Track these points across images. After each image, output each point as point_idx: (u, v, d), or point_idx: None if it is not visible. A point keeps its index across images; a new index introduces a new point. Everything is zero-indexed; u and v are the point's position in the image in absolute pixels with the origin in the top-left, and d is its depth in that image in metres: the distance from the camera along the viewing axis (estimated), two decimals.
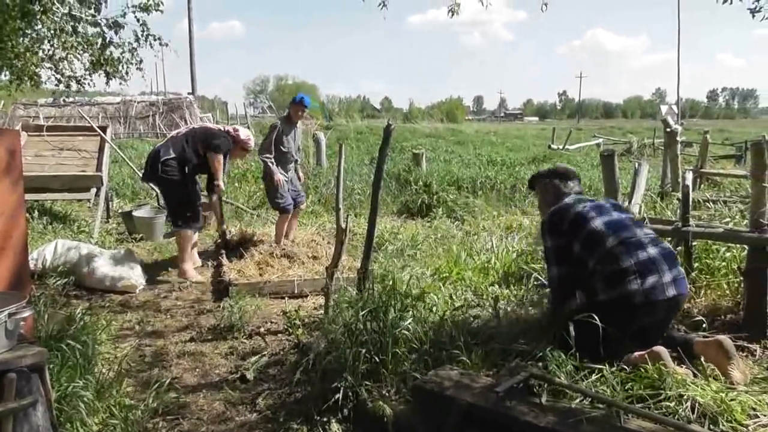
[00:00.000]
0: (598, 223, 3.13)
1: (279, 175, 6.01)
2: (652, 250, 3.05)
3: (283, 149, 6.09)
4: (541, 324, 3.42)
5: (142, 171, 6.25)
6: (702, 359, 2.80)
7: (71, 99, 20.94)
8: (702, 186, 7.16)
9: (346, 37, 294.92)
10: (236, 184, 10.07)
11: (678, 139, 6.29)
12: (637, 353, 2.83)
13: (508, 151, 19.33)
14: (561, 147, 19.88)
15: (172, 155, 5.56)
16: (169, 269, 5.86)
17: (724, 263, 3.94)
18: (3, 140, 2.68)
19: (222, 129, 6.11)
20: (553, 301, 3.39)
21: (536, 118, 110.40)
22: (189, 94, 30.06)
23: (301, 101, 6.17)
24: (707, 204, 5.14)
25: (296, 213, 6.58)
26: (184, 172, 5.59)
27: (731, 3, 3.71)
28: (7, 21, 4.90)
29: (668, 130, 6.23)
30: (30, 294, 3.01)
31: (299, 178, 6.71)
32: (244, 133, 6.03)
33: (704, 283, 3.85)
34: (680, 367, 2.73)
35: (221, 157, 5.69)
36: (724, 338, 2.80)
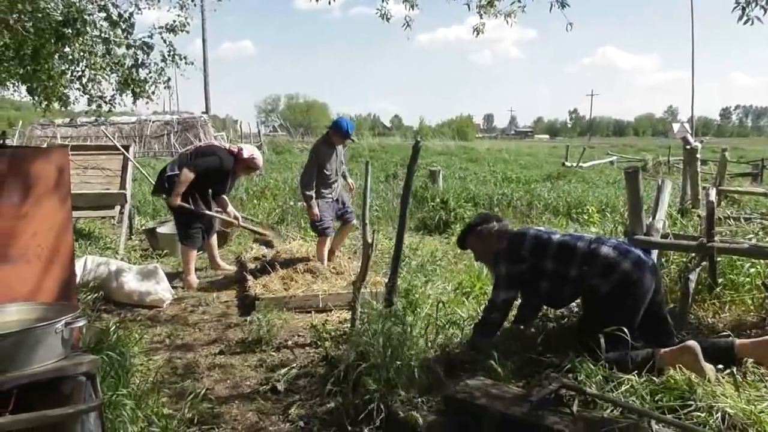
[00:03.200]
0: (558, 237, 3.43)
1: (316, 210, 5.83)
2: (613, 240, 3.46)
3: (326, 172, 5.92)
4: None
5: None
6: (747, 361, 2.87)
7: (89, 119, 21.37)
8: (722, 203, 7.20)
9: (355, 56, 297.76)
10: (255, 201, 10.21)
11: (698, 156, 6.36)
12: (666, 349, 2.92)
13: (521, 168, 19.40)
14: (575, 164, 19.92)
15: (176, 172, 5.79)
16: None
17: (748, 279, 3.99)
18: (52, 158, 2.80)
19: (224, 147, 6.20)
20: (485, 319, 3.54)
21: (547, 136, 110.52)
22: (203, 113, 30.47)
23: (346, 133, 5.91)
24: (728, 221, 5.18)
25: (346, 229, 6.44)
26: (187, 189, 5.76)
27: (752, 24, 3.75)
28: (43, 44, 5.08)
29: (688, 147, 6.29)
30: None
31: (350, 188, 6.49)
32: (248, 152, 6.02)
33: (728, 298, 3.90)
34: (709, 365, 2.80)
35: (187, 172, 5.69)
36: None
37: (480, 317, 3.66)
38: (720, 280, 3.99)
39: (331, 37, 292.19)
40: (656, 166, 20.06)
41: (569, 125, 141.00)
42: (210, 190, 6.07)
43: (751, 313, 3.79)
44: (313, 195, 5.85)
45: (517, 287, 3.48)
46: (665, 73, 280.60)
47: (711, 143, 35.38)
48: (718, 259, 3.96)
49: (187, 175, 5.70)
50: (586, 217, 8.03)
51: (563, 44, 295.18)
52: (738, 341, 3.04)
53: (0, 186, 2.58)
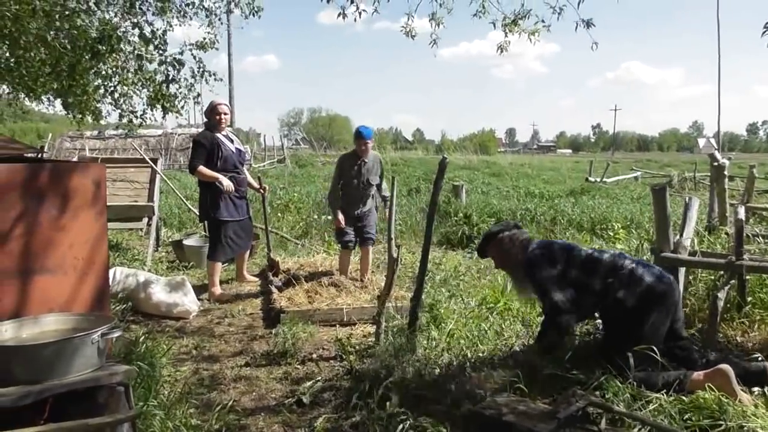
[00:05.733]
0: (584, 250, 3.50)
1: (339, 217, 5.93)
2: (631, 257, 3.52)
3: (349, 184, 5.94)
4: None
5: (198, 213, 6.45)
6: None
7: (117, 132, 21.89)
8: (750, 220, 7.10)
9: (378, 69, 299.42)
10: (279, 215, 10.29)
11: (725, 173, 6.28)
12: (700, 372, 2.90)
13: (544, 183, 19.31)
14: (599, 180, 19.77)
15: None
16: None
17: None
18: (90, 173, 2.88)
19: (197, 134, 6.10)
20: (558, 325, 3.47)
21: (569, 151, 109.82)
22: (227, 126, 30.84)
23: (360, 135, 5.87)
24: (757, 239, 5.12)
25: (363, 252, 6.30)
26: (220, 199, 5.75)
27: None
28: (79, 60, 5.23)
29: (715, 164, 6.22)
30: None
31: (383, 202, 6.30)
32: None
33: (758, 317, 3.85)
34: (745, 395, 2.76)
35: (202, 170, 5.66)
36: None
37: (540, 329, 3.65)
38: (749, 299, 3.95)
39: (354, 50, 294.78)
40: (682, 182, 19.82)
41: (592, 140, 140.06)
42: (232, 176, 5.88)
43: None
44: (336, 205, 5.98)
45: (566, 286, 3.37)
46: (690, 88, 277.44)
47: (738, 159, 34.89)
48: (747, 277, 3.92)
49: (201, 173, 5.67)
50: (611, 234, 7.97)
51: (586, 59, 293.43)
52: None
53: (40, 199, 2.67)
